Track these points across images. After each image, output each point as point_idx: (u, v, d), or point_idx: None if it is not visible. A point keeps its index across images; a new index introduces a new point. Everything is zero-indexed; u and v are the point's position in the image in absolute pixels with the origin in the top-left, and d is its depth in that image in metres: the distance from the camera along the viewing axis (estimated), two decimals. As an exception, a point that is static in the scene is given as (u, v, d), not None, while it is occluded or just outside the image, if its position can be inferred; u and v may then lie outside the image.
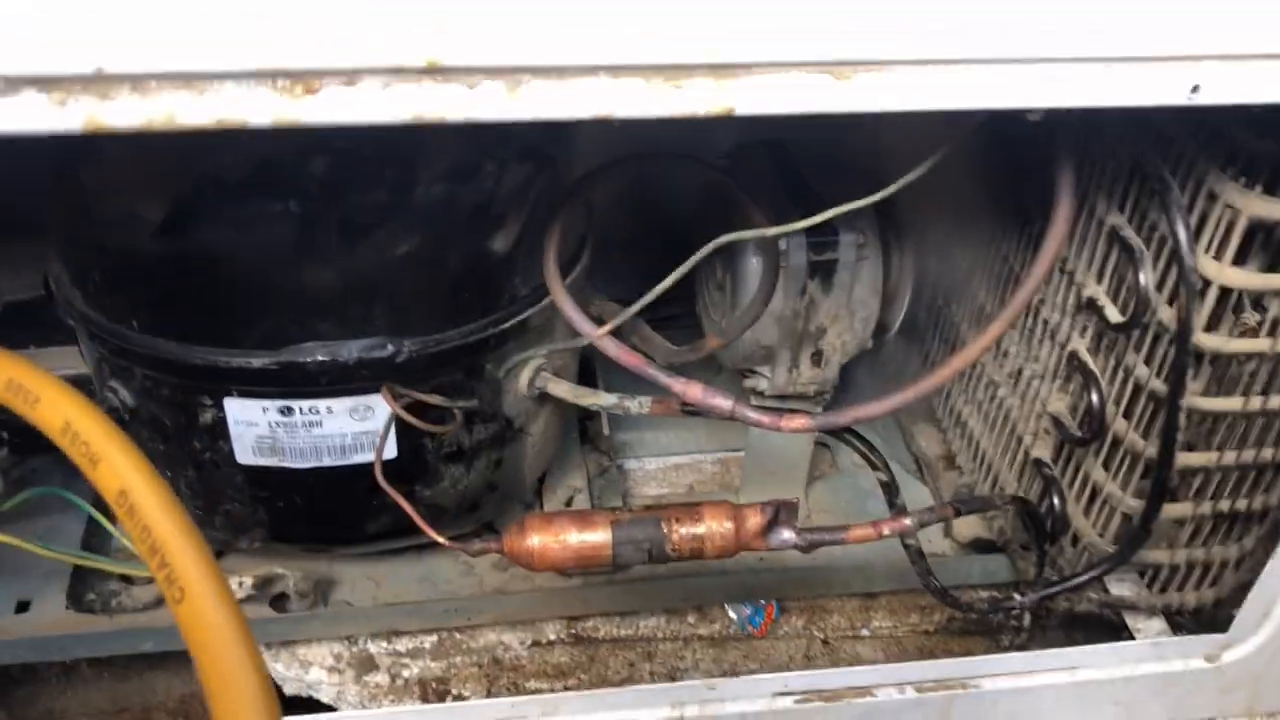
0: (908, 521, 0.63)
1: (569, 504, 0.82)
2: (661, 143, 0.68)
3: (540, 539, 0.58)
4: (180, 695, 0.78)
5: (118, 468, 0.35)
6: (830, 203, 0.73)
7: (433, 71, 0.39)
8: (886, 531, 0.62)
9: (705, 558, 0.61)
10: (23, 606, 0.74)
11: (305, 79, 0.39)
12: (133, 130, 0.39)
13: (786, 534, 0.61)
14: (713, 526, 0.60)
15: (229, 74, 0.38)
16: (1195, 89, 0.44)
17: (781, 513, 0.61)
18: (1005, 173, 0.72)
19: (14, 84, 0.37)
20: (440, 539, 0.60)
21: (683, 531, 0.60)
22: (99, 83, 0.38)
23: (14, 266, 0.69)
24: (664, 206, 0.85)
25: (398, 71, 0.39)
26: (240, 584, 0.73)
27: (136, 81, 0.38)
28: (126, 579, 0.75)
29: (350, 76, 0.39)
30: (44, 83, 0.37)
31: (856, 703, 0.67)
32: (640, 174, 0.76)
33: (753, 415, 0.60)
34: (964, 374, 0.84)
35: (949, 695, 0.68)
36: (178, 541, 0.33)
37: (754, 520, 0.60)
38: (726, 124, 0.74)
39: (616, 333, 0.63)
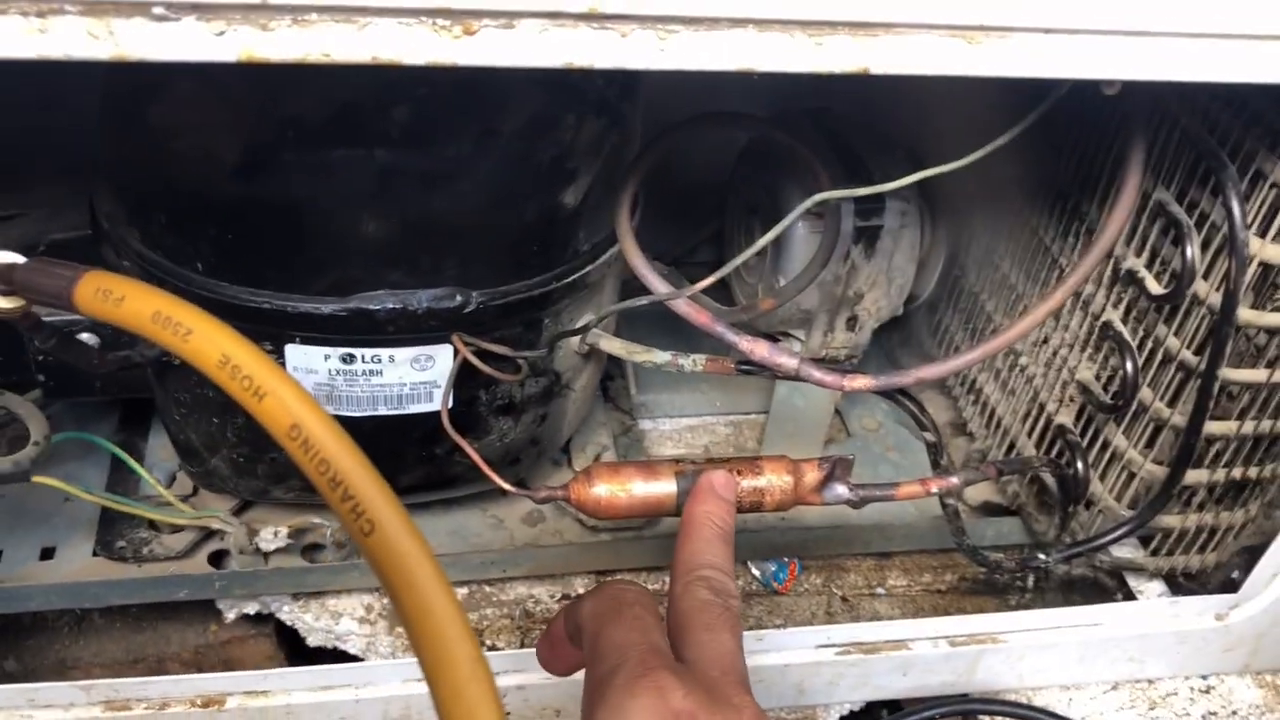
0: (955, 480, 0.64)
1: (598, 460, 0.82)
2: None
3: (608, 488, 0.59)
4: (195, 645, 0.77)
5: (287, 401, 0.35)
6: (873, 168, 0.74)
7: (590, 17, 0.39)
8: (935, 489, 0.64)
9: (763, 510, 0.61)
10: (47, 553, 0.73)
11: (465, 19, 0.39)
12: (286, 63, 0.38)
13: (841, 489, 0.62)
14: (773, 480, 0.60)
15: (391, 9, 0.38)
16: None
17: (838, 468, 0.62)
18: (1042, 149, 0.74)
19: (178, 9, 0.36)
20: (507, 486, 0.60)
21: (745, 484, 0.60)
22: (261, 12, 0.37)
23: (56, 205, 0.67)
24: (692, 172, 0.86)
25: (556, 16, 0.39)
26: (276, 533, 0.72)
27: (298, 14, 0.37)
28: (155, 527, 0.74)
29: (510, 19, 0.39)
30: (205, 10, 0.37)
31: (894, 655, 0.69)
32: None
33: (817, 374, 0.62)
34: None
35: (979, 649, 0.71)
36: (361, 473, 0.34)
37: (812, 475, 0.61)
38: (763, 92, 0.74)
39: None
